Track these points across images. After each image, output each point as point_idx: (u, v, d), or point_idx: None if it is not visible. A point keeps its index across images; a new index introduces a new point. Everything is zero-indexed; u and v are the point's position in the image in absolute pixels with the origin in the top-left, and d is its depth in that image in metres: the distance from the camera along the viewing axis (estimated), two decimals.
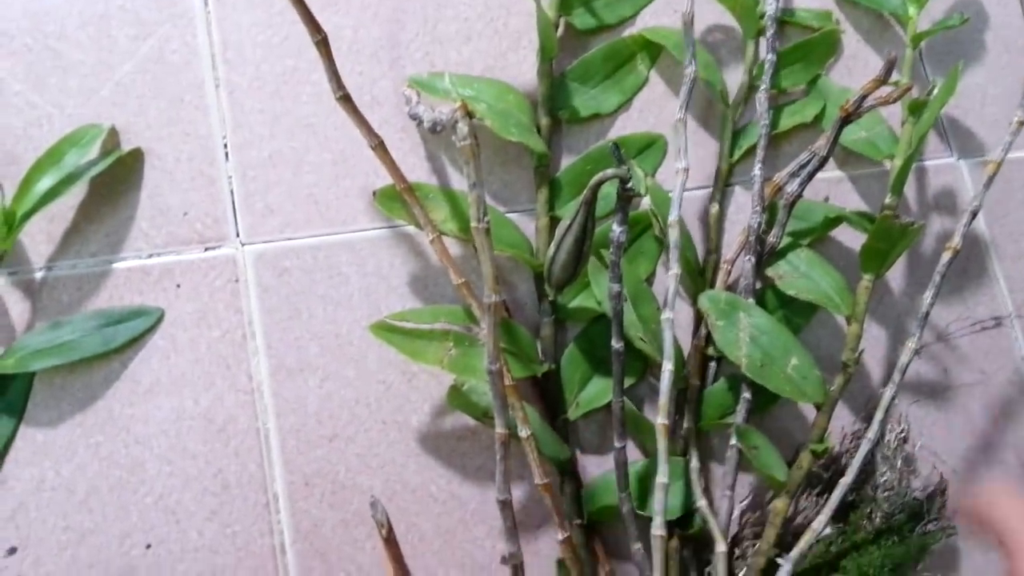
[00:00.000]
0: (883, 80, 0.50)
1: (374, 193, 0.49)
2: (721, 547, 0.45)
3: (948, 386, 0.58)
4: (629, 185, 0.42)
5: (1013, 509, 0.39)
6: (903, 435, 0.50)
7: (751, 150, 0.56)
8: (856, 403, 0.54)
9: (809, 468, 0.47)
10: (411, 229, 0.50)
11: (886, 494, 0.48)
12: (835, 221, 0.55)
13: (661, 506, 0.42)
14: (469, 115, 0.39)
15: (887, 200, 0.55)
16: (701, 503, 0.46)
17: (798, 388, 0.47)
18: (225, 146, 0.49)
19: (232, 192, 0.49)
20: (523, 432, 0.44)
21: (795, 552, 0.44)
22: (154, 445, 0.44)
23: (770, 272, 0.52)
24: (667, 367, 0.44)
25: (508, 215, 0.52)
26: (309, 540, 0.45)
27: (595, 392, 0.49)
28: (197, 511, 0.44)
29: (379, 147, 0.47)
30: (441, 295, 0.50)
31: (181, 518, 0.44)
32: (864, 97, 0.50)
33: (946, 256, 0.50)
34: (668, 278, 0.47)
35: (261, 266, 0.48)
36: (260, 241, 0.48)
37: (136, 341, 0.46)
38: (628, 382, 0.50)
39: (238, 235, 0.48)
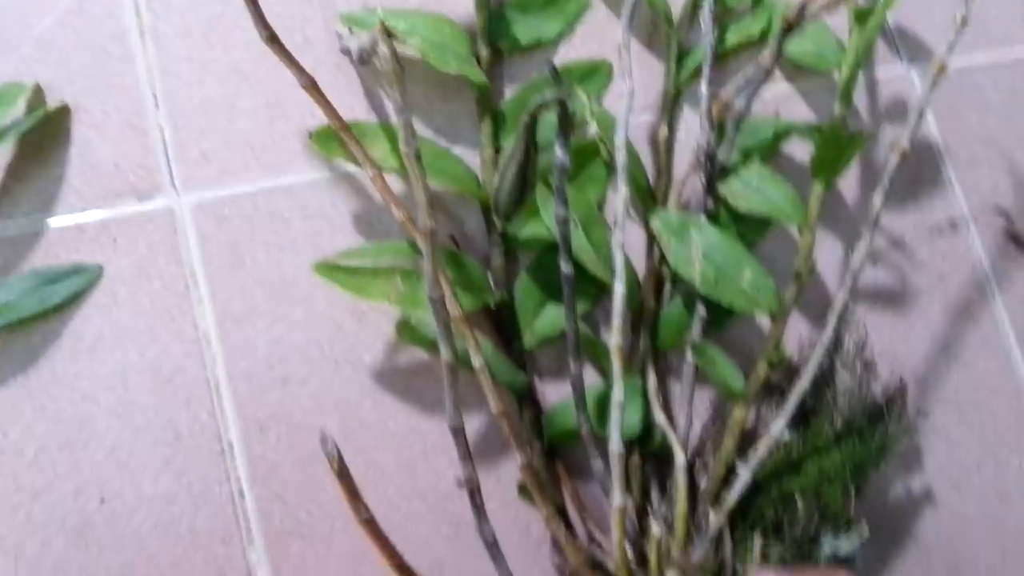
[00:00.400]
0: None
1: (310, 134, 0.48)
2: (680, 458, 0.45)
3: (906, 292, 0.58)
4: (569, 107, 0.41)
5: None
6: (861, 341, 0.50)
7: (698, 70, 0.55)
8: (815, 315, 0.54)
9: (766, 377, 0.46)
10: (352, 169, 0.50)
11: (846, 399, 0.47)
12: (785, 134, 0.55)
13: (617, 424, 0.42)
14: (389, 34, 0.38)
15: (836, 110, 0.54)
16: (660, 418, 0.46)
17: (752, 300, 0.47)
18: (154, 96, 0.48)
19: (164, 142, 0.48)
20: (475, 361, 0.43)
21: (753, 458, 0.44)
22: (101, 400, 0.44)
23: (722, 190, 0.52)
24: (619, 289, 0.44)
25: (454, 150, 0.51)
26: (267, 484, 0.45)
27: (550, 319, 0.49)
28: (150, 463, 0.44)
29: (311, 86, 0.46)
30: (386, 233, 0.49)
31: (134, 471, 0.43)
32: (805, 6, 0.49)
33: (894, 159, 0.49)
34: (616, 200, 0.46)
35: (199, 215, 0.47)
36: (197, 190, 0.47)
37: (75, 299, 0.45)
38: (583, 308, 0.50)
39: (173, 185, 0.47)
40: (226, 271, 0.47)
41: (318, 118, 0.49)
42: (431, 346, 0.45)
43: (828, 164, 0.50)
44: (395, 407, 0.47)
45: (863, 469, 0.46)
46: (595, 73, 0.55)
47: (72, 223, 0.46)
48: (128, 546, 0.42)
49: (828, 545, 0.44)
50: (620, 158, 0.47)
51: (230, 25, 0.50)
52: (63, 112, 0.47)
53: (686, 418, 0.47)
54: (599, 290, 0.51)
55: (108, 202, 0.47)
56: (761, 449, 0.44)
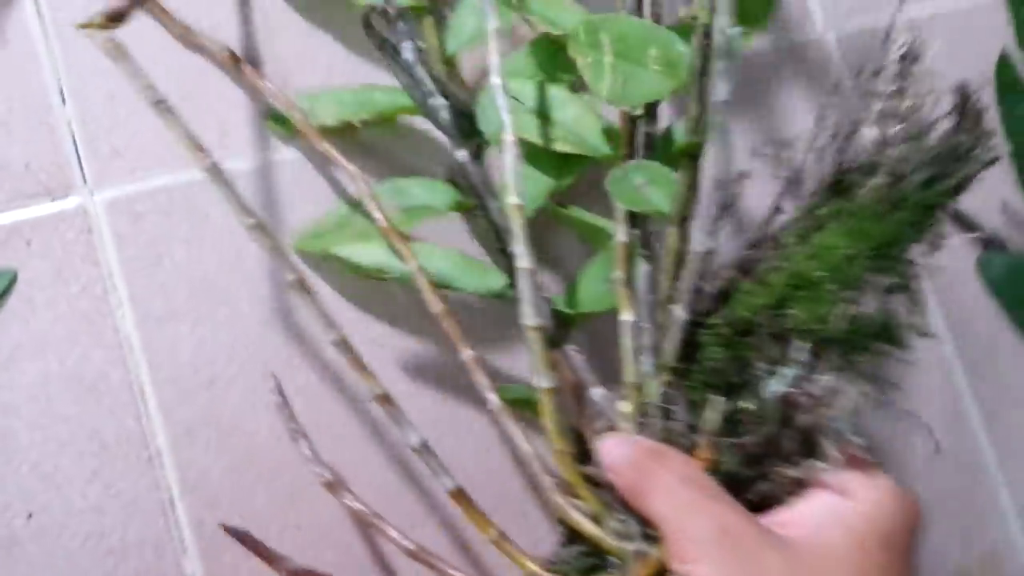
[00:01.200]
0: None
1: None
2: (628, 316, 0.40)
3: None
4: None
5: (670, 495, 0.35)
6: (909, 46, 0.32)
7: None
8: None
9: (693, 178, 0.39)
10: (274, 157, 0.48)
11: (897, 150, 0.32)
12: None
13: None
14: None
15: None
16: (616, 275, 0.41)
17: (662, 82, 0.42)
18: (61, 90, 0.46)
19: (74, 138, 0.46)
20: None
21: (684, 288, 0.38)
22: (23, 412, 0.43)
23: None
24: (508, 139, 0.40)
25: None
26: (198, 491, 0.44)
27: None
28: (77, 475, 0.42)
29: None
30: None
31: (61, 484, 0.42)
32: None
33: None
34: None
35: (114, 213, 0.45)
36: (110, 187, 0.46)
37: None
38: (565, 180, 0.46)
39: (86, 182, 0.45)
40: (145, 271, 0.45)
41: (233, 106, 0.47)
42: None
43: None
44: (328, 404, 0.46)
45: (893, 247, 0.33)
46: None
47: None
48: (59, 562, 0.42)
49: (769, 386, 0.35)
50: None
51: (137, 14, 0.47)
52: None
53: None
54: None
55: (19, 203, 0.45)
56: (689, 269, 0.37)
